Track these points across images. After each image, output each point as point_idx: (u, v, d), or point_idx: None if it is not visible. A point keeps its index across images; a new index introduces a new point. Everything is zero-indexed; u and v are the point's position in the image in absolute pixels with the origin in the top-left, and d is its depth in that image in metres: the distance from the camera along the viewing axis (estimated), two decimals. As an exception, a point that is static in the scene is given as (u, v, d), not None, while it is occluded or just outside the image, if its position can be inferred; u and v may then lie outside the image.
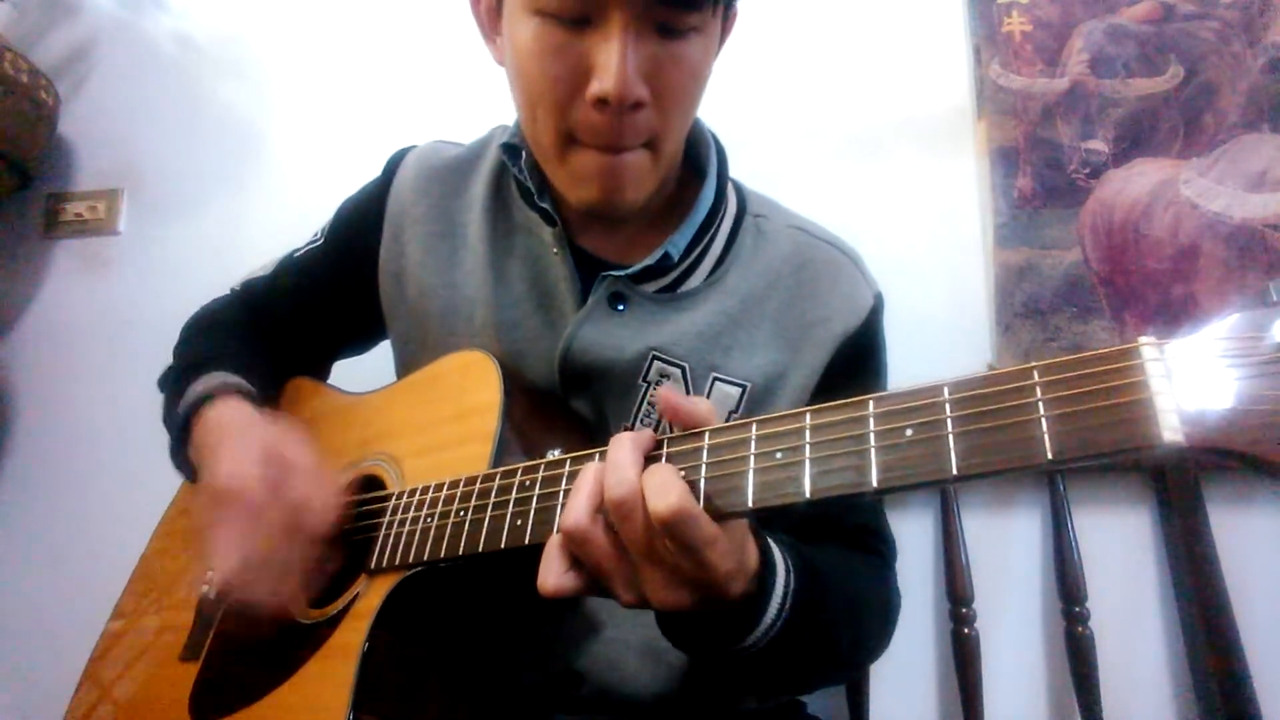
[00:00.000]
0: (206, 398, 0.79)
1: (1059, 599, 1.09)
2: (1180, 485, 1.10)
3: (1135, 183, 1.23)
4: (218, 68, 1.58)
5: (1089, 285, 1.21)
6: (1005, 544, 1.17)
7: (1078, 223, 1.23)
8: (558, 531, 0.54)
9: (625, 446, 0.52)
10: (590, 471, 0.53)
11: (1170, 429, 0.36)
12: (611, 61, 0.65)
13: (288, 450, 0.71)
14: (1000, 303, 1.22)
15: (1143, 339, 0.39)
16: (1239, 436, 0.35)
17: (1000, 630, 1.12)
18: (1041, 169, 1.26)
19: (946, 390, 0.43)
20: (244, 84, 1.57)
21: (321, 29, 1.56)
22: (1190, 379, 0.37)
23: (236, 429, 0.75)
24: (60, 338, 1.52)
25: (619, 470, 0.50)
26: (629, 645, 0.73)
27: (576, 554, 0.53)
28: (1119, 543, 1.14)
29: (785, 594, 0.57)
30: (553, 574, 0.53)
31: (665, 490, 0.48)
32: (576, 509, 0.52)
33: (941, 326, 1.24)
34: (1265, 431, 0.35)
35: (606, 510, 0.51)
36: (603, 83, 0.66)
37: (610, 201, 0.74)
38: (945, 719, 1.15)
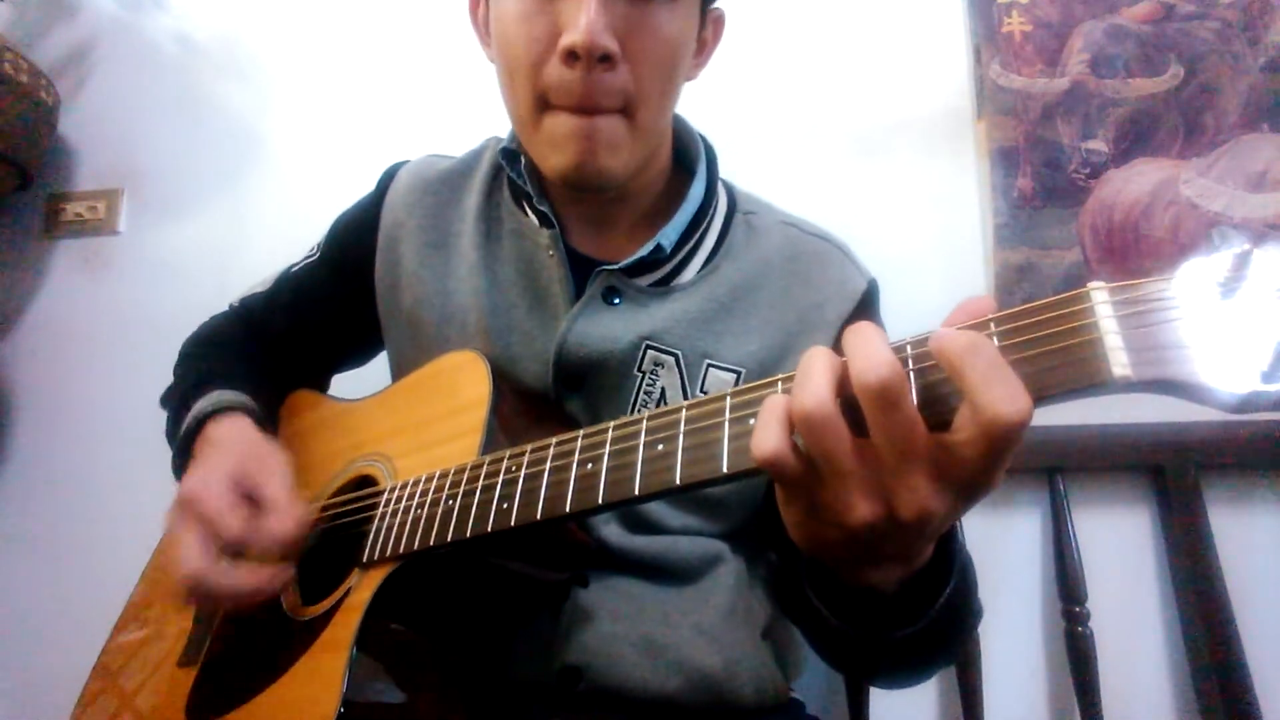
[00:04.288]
0: (213, 412, 0.80)
1: (1059, 599, 1.09)
2: (1180, 485, 1.10)
3: (1135, 183, 1.23)
4: (218, 68, 1.58)
5: (1089, 285, 1.20)
6: (1005, 544, 1.16)
7: (1078, 223, 1.23)
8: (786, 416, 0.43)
9: (870, 330, 0.42)
10: (821, 354, 0.43)
11: (1120, 365, 0.38)
12: (580, 15, 0.68)
13: (262, 477, 0.71)
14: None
15: (1092, 284, 0.40)
16: (1185, 369, 0.37)
17: (1000, 630, 1.11)
18: (1041, 169, 1.26)
19: (909, 348, 0.44)
20: (244, 84, 1.57)
21: (322, 30, 1.56)
22: (1140, 319, 0.38)
23: (227, 444, 0.76)
24: (60, 338, 1.52)
25: (875, 354, 0.40)
26: (628, 641, 0.73)
27: (808, 444, 0.42)
28: (1119, 543, 1.14)
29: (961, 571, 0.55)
30: (773, 436, 0.42)
31: (1014, 392, 0.38)
32: (817, 386, 0.41)
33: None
34: (1210, 364, 0.37)
35: (857, 399, 0.41)
36: (571, 34, 0.68)
37: (585, 166, 0.74)
38: (945, 719, 1.15)
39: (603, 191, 0.80)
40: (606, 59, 0.69)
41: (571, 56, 0.69)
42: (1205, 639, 1.04)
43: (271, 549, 0.66)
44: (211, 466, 0.71)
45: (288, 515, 0.68)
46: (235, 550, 0.66)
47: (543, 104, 0.73)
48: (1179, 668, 1.10)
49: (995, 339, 0.41)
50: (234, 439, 0.77)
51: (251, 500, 0.69)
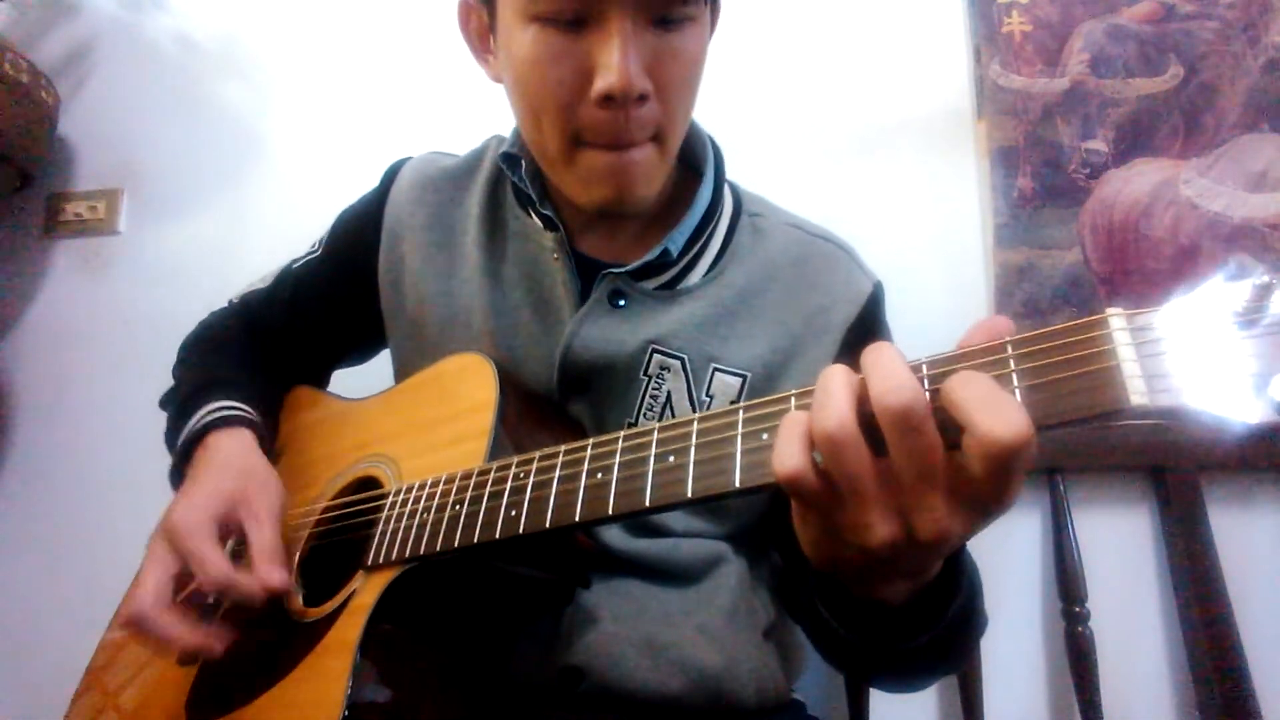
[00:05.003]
0: (214, 424, 0.80)
1: (1059, 599, 1.09)
2: (1180, 485, 1.10)
3: (1135, 183, 1.23)
4: (218, 68, 1.58)
5: (1089, 285, 1.21)
6: (1005, 544, 1.16)
7: (1078, 223, 1.23)
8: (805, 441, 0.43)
9: (890, 351, 0.42)
10: (840, 372, 0.43)
11: (1138, 393, 0.38)
12: (614, 58, 0.67)
13: (253, 517, 0.71)
14: (1000, 303, 1.22)
15: (1110, 309, 0.40)
16: (1200, 399, 0.37)
17: (1000, 630, 1.11)
18: (1041, 169, 1.26)
19: (925, 366, 0.44)
20: (244, 84, 1.57)
21: (322, 29, 1.56)
22: (1156, 347, 0.39)
23: (223, 466, 0.76)
24: (60, 338, 1.52)
25: (895, 376, 0.40)
26: (629, 641, 0.73)
27: (829, 464, 0.42)
28: (1119, 543, 1.14)
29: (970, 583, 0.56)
30: (794, 454, 0.42)
31: (1008, 416, 0.38)
32: (838, 406, 0.41)
33: (941, 326, 1.23)
34: (1224, 396, 0.37)
35: (878, 420, 0.41)
36: (607, 79, 0.67)
37: (622, 199, 0.75)
38: (945, 719, 1.15)
39: (632, 218, 0.81)
40: (642, 98, 0.69)
41: (608, 100, 0.68)
42: (1205, 639, 1.04)
43: (246, 602, 0.67)
44: (204, 495, 0.72)
45: (270, 572, 0.67)
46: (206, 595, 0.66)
47: (576, 142, 0.73)
48: (1179, 668, 1.10)
49: (1012, 361, 0.42)
50: (232, 461, 0.77)
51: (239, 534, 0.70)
